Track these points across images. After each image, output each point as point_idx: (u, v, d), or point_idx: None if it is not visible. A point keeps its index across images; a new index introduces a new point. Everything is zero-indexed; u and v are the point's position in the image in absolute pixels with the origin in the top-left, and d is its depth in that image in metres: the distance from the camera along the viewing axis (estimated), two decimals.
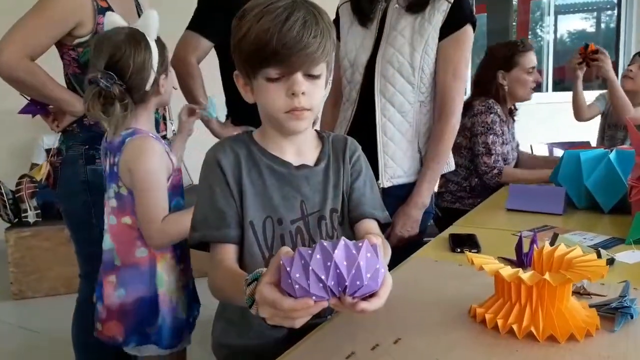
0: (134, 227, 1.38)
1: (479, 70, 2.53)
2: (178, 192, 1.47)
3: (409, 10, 1.62)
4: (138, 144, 1.36)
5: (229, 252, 0.96)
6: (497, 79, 2.38)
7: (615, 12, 6.36)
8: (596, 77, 3.04)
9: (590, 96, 3.06)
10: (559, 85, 6.12)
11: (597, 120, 3.10)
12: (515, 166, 2.54)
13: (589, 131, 3.22)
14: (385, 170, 1.64)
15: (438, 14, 1.60)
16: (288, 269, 0.68)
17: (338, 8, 1.81)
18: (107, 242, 1.42)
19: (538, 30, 6.64)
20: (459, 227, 1.59)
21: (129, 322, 1.39)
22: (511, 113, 2.50)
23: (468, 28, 1.63)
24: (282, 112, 0.92)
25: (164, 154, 1.40)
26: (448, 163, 1.76)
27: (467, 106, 2.35)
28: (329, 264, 0.67)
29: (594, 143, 3.03)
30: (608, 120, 2.97)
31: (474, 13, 1.69)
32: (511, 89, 2.40)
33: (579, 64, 2.73)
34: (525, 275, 0.82)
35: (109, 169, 1.40)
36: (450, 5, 1.59)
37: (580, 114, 2.97)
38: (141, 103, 1.40)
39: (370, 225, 1.03)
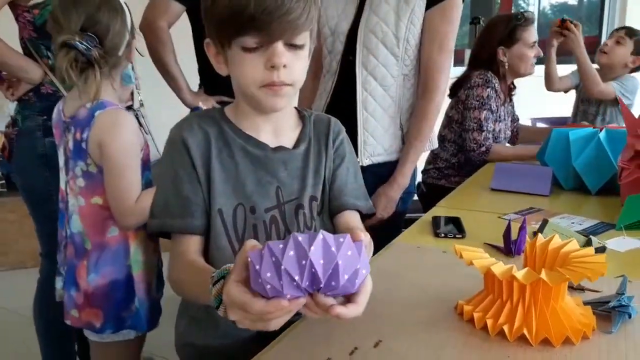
0: (105, 207, 1.29)
1: (476, 46, 2.40)
2: (147, 167, 1.38)
3: None
4: (110, 118, 1.25)
5: (193, 243, 0.87)
6: (497, 55, 2.24)
7: None
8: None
9: (566, 70, 2.99)
10: (538, 59, 6.04)
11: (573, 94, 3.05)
12: (516, 142, 2.47)
13: (567, 105, 3.16)
14: (364, 147, 1.56)
15: None
16: (257, 267, 0.59)
17: None
18: (76, 225, 1.31)
19: (521, 2, 6.53)
20: (442, 209, 1.51)
21: (106, 307, 1.31)
22: (510, 91, 2.39)
23: None
24: (258, 87, 0.82)
25: (137, 128, 1.31)
26: (431, 140, 1.68)
27: (465, 79, 2.25)
28: (303, 262, 0.58)
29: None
30: (581, 95, 2.92)
31: None
32: (512, 66, 2.27)
33: (558, 33, 2.65)
34: (520, 273, 0.75)
35: (74, 146, 1.28)
36: None
37: (550, 83, 2.90)
38: (113, 69, 1.29)
39: (351, 217, 0.94)
